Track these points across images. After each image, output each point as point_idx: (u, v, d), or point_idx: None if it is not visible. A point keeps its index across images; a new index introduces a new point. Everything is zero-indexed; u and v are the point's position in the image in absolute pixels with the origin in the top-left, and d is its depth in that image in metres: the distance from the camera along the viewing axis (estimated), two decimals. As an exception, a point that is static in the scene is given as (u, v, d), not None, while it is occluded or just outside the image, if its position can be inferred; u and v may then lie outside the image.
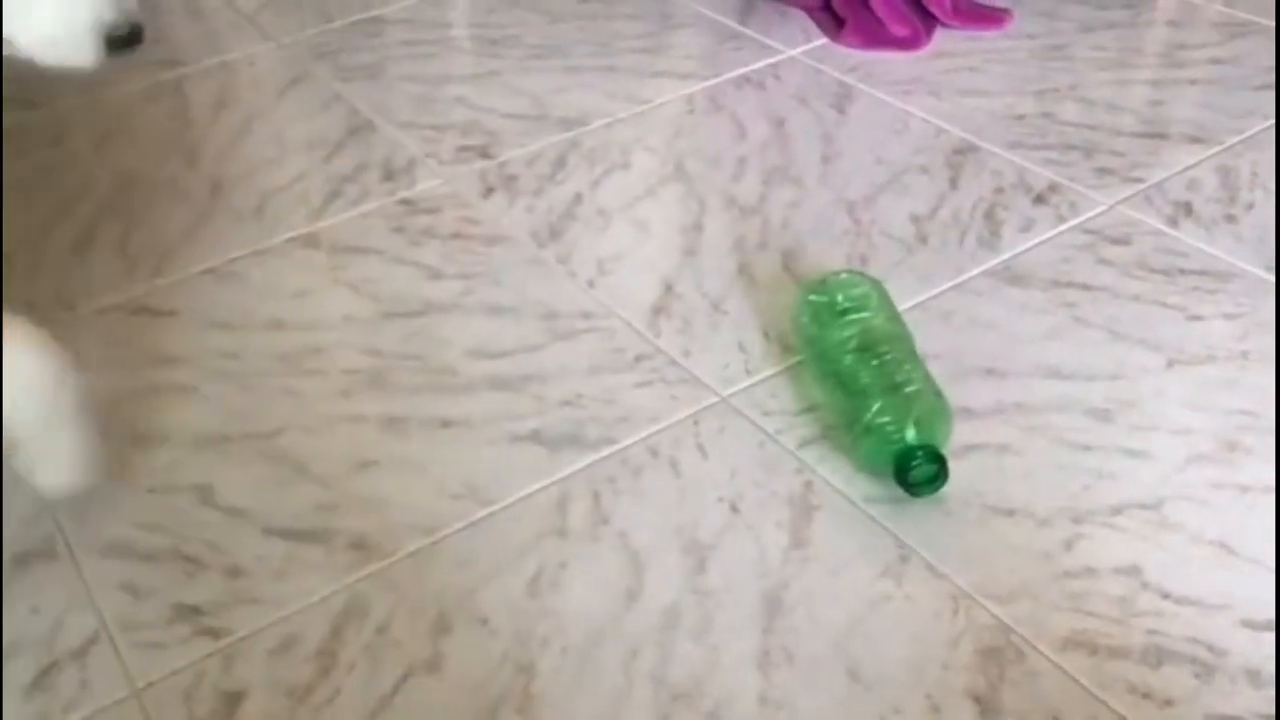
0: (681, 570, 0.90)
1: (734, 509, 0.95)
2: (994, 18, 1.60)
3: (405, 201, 1.29)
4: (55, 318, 1.13)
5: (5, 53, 0.83)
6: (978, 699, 0.81)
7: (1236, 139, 1.36)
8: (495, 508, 0.95)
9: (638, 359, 1.08)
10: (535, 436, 1.01)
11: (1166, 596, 0.87)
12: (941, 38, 1.57)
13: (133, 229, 1.25)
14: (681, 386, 1.06)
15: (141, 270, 1.20)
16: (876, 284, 1.06)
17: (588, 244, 1.23)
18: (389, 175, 1.33)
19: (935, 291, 1.15)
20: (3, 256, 1.19)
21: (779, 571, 0.90)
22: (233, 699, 0.82)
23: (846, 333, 1.01)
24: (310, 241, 1.23)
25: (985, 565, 0.90)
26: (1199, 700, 0.81)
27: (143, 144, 1.41)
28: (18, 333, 0.84)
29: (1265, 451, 0.98)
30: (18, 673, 0.83)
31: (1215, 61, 1.52)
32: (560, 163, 1.35)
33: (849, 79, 1.50)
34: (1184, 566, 0.89)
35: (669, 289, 1.17)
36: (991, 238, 1.22)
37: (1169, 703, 0.81)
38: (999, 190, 1.29)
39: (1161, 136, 1.38)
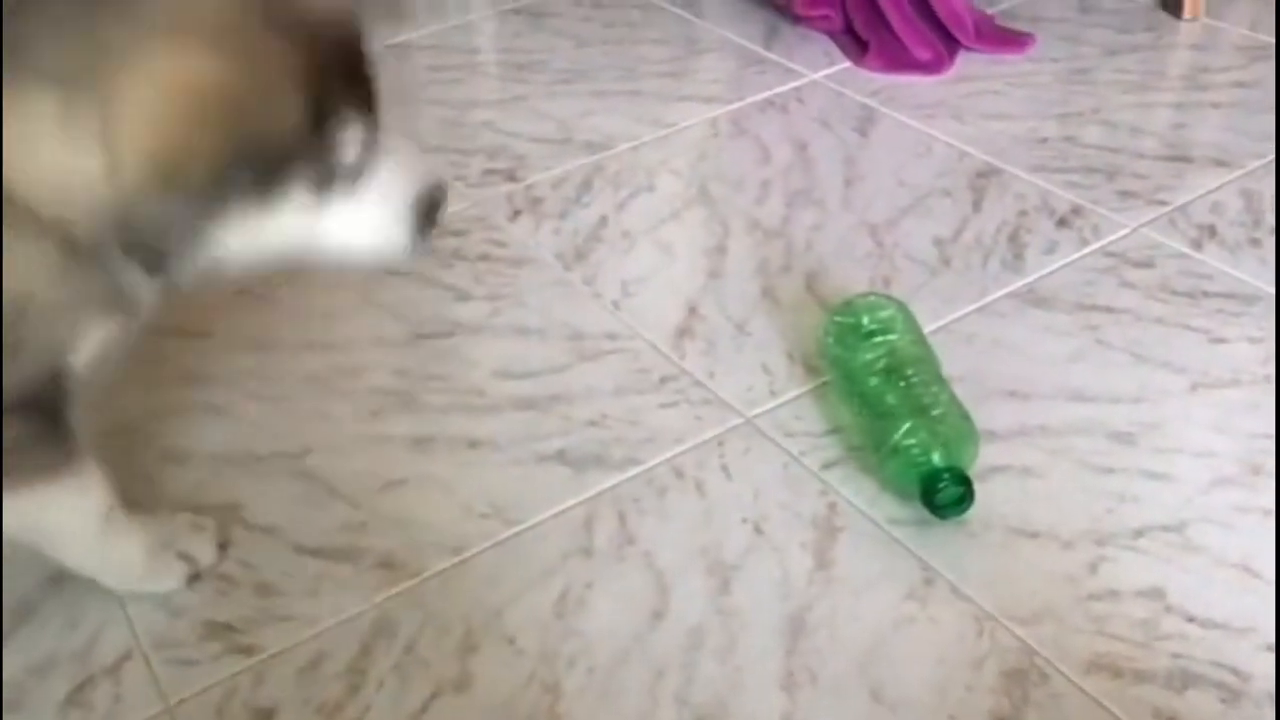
0: (706, 591, 0.90)
1: (758, 530, 0.95)
2: (1017, 41, 1.61)
3: (433, 224, 1.31)
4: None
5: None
6: (1002, 721, 0.81)
7: (1259, 163, 1.36)
8: (521, 527, 0.96)
9: (663, 380, 1.09)
10: (561, 457, 1.02)
11: (1191, 620, 0.87)
12: (964, 61, 1.58)
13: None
14: (706, 408, 1.06)
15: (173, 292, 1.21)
16: (902, 306, 1.07)
17: (613, 266, 1.24)
18: (417, 198, 1.35)
19: (958, 314, 1.16)
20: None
21: (803, 593, 0.90)
22: (263, 715, 0.83)
23: (873, 354, 1.01)
24: (339, 263, 1.25)
25: (1009, 587, 0.90)
26: (1224, 724, 0.81)
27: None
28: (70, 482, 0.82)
29: (1290, 475, 0.98)
30: (53, 688, 0.85)
31: (1238, 84, 1.52)
32: (586, 185, 1.37)
33: (872, 102, 1.51)
34: (1208, 589, 0.89)
35: (693, 310, 1.17)
36: (1015, 260, 1.23)
37: (1194, 726, 0.81)
38: (1022, 213, 1.30)
39: (1185, 159, 1.38)
